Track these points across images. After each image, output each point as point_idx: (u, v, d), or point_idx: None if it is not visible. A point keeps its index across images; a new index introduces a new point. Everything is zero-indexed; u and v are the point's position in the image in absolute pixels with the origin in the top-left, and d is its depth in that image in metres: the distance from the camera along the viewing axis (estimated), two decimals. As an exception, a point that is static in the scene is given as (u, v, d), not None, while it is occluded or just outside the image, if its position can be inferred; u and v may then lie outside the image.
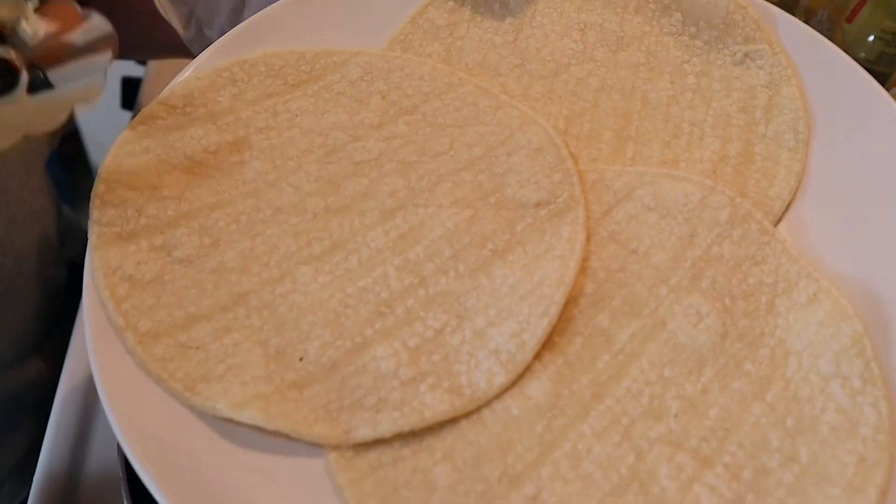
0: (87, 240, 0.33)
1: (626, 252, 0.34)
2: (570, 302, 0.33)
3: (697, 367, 0.31)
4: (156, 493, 0.27)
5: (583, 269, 0.34)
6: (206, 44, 0.44)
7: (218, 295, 0.33)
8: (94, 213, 0.33)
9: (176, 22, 0.44)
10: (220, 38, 0.39)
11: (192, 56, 0.46)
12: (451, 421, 0.30)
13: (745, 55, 0.39)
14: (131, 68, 0.79)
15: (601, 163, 0.37)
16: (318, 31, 0.41)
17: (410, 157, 0.37)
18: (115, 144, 0.35)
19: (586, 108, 0.39)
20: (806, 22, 0.54)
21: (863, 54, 0.49)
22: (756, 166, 0.37)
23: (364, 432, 0.30)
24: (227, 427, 0.30)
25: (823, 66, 0.38)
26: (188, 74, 0.38)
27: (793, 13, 0.54)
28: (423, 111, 0.39)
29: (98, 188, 0.34)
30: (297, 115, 0.38)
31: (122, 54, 0.48)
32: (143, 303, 0.32)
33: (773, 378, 0.31)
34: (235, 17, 0.44)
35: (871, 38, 0.48)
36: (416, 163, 0.37)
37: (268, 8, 0.40)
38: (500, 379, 0.31)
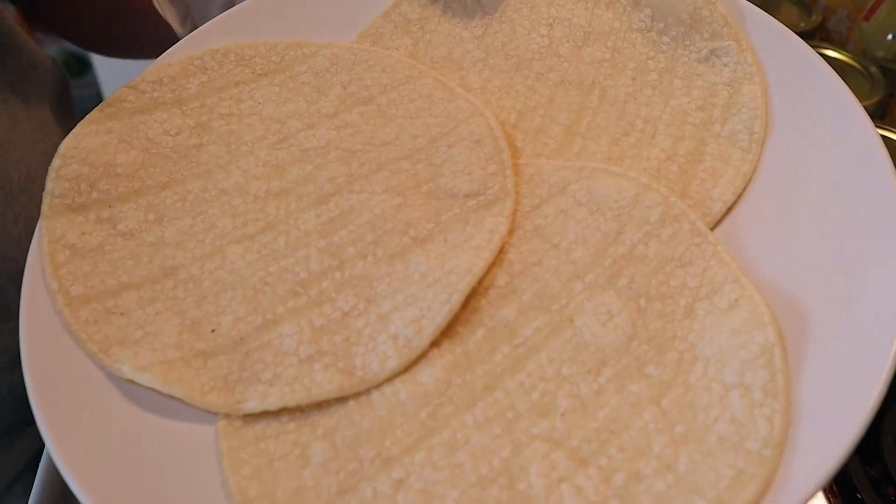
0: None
1: (548, 246, 0.34)
2: (480, 293, 0.33)
3: (597, 367, 0.30)
4: (49, 443, 0.29)
5: (499, 261, 0.33)
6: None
7: (151, 267, 0.34)
8: (49, 184, 0.36)
9: (172, 19, 0.47)
10: (197, 29, 0.41)
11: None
12: (341, 400, 0.31)
13: (711, 52, 0.37)
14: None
15: (545, 157, 0.37)
16: (293, 24, 0.42)
17: (356, 145, 0.38)
18: (79, 124, 0.38)
19: (541, 103, 0.38)
20: (824, 20, 0.51)
21: (881, 53, 0.46)
22: (704, 166, 0.35)
23: (253, 404, 0.30)
24: (133, 390, 0.31)
25: (791, 63, 0.36)
26: (161, 61, 0.40)
27: (811, 12, 0.51)
28: (379, 102, 0.39)
29: (55, 162, 0.36)
30: (259, 103, 0.40)
31: (121, 53, 0.51)
32: (79, 269, 0.34)
33: (673, 383, 0.29)
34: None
35: (890, 36, 0.45)
36: (360, 151, 0.37)
37: (247, 2, 0.42)
38: (393, 363, 0.31)
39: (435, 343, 0.31)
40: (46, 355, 0.31)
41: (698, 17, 0.38)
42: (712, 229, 0.34)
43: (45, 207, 0.36)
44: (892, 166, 0.31)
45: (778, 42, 0.37)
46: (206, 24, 0.41)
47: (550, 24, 0.41)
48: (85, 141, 0.37)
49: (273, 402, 0.30)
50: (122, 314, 0.33)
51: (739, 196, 0.34)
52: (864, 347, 0.28)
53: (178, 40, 0.47)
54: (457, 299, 0.32)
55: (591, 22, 0.40)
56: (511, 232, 0.34)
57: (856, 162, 0.32)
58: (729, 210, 0.34)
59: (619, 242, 0.33)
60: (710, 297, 0.31)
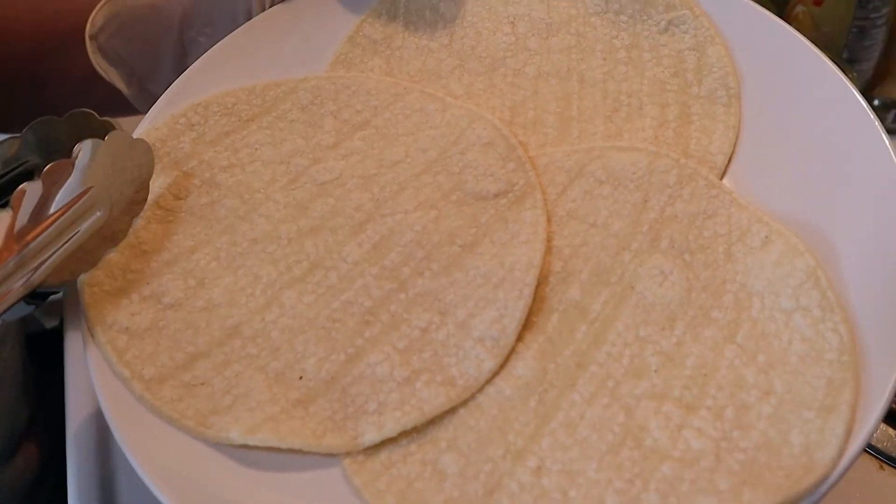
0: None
1: (586, 226, 0.36)
2: (542, 281, 0.35)
3: (669, 323, 0.33)
4: None
5: (548, 249, 0.36)
6: (151, 98, 0.46)
7: (212, 331, 0.34)
8: (82, 275, 0.35)
9: (118, 81, 0.46)
10: (171, 86, 0.41)
11: (138, 111, 0.47)
12: (450, 411, 0.32)
13: (669, 22, 0.41)
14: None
15: (550, 146, 0.39)
16: (262, 65, 0.42)
17: (370, 170, 0.39)
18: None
19: (528, 97, 0.41)
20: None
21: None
22: (695, 126, 0.39)
23: (371, 436, 0.31)
24: (243, 454, 0.32)
25: (742, 22, 0.40)
26: (146, 126, 0.40)
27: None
28: (375, 124, 0.40)
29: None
30: (256, 149, 0.40)
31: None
32: (143, 351, 0.34)
33: (739, 321, 0.33)
34: (179, 66, 0.45)
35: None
36: (376, 175, 0.39)
37: (210, 51, 0.42)
38: (489, 364, 0.33)
39: (518, 337, 0.34)
40: (151, 447, 0.31)
41: None
42: (721, 180, 0.38)
43: (85, 298, 0.35)
44: (858, 91, 0.36)
45: (725, 4, 0.41)
46: (178, 80, 0.41)
47: (512, 22, 0.43)
48: None
49: (391, 430, 0.31)
50: (202, 384, 0.33)
51: (734, 146, 0.38)
52: (890, 252, 0.33)
53: (122, 98, 0.46)
54: (528, 293, 0.34)
55: (549, 13, 0.43)
56: (549, 220, 0.36)
57: (825, 97, 0.37)
58: (729, 161, 0.38)
59: (648, 209, 0.36)
60: (743, 240, 0.35)
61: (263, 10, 0.43)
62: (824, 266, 0.34)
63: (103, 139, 0.34)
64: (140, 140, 0.36)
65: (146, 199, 0.37)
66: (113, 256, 0.36)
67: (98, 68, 0.45)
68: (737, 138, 0.38)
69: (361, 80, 0.42)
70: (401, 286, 0.35)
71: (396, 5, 0.44)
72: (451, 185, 0.38)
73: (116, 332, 0.34)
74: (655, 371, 0.32)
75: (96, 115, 0.44)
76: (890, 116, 0.63)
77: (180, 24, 0.44)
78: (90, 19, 0.45)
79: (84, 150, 0.33)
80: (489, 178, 0.38)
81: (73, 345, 0.51)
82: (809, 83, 0.38)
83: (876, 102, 0.63)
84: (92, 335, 0.34)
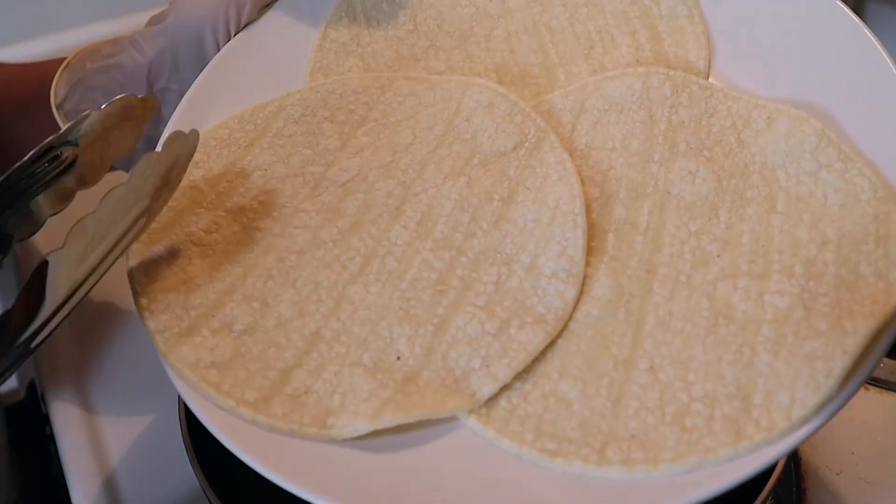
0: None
1: (607, 152, 0.40)
2: (586, 210, 0.38)
3: (713, 213, 0.37)
4: None
5: (581, 182, 0.39)
6: (128, 158, 0.46)
7: (294, 344, 0.36)
8: (150, 324, 0.36)
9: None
10: (165, 133, 0.42)
11: (113, 168, 0.48)
12: (550, 345, 0.35)
13: None
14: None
15: (544, 94, 0.43)
16: (243, 93, 0.44)
17: (386, 159, 0.41)
18: (130, 258, 0.38)
19: (506, 57, 0.44)
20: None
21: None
22: (667, 42, 0.43)
23: (489, 388, 0.33)
24: (367, 444, 0.33)
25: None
26: None
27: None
28: (373, 118, 0.43)
29: (140, 302, 0.36)
30: (266, 170, 0.42)
31: None
32: (237, 379, 0.35)
33: (773, 193, 0.37)
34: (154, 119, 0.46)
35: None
36: (393, 161, 0.41)
37: (189, 93, 0.43)
38: (570, 293, 0.35)
39: (585, 263, 0.36)
40: (291, 462, 0.32)
41: None
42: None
43: (160, 346, 0.35)
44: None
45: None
46: (168, 127, 0.42)
47: None
48: (148, 272, 0.37)
49: (504, 377, 0.34)
50: (306, 393, 0.34)
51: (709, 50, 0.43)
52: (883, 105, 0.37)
53: None
54: (581, 220, 0.37)
55: None
56: (571, 156, 0.40)
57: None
58: (709, 64, 0.42)
59: (656, 122, 0.40)
60: (748, 126, 0.39)
61: (228, 40, 0.44)
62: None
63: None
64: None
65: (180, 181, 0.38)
66: (170, 297, 0.37)
67: (61, 122, 0.46)
68: (708, 43, 0.43)
69: (344, 81, 0.44)
70: (459, 251, 0.37)
71: (353, 6, 0.46)
72: (469, 151, 0.41)
73: (204, 369, 0.35)
74: (718, 256, 0.36)
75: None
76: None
77: (147, 77, 0.45)
78: (52, 88, 0.46)
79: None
80: (502, 135, 0.41)
81: (61, 413, 0.52)
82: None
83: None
84: (181, 379, 0.35)
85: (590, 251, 0.37)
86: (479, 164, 0.40)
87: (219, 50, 0.44)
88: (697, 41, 0.43)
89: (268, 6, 0.46)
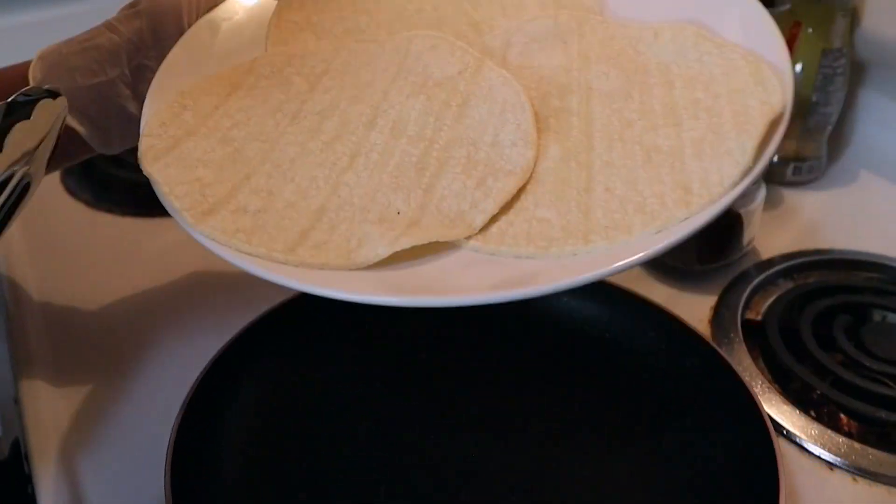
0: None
1: (535, 69, 0.50)
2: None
3: (628, 96, 0.47)
4: None
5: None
6: (105, 136, 0.52)
7: (305, 215, 0.42)
8: (175, 203, 0.41)
9: (73, 123, 0.51)
10: (150, 86, 0.48)
11: (94, 152, 0.53)
12: (522, 189, 0.43)
13: None
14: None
15: (475, 40, 0.53)
16: (213, 61, 0.51)
17: (352, 92, 0.49)
18: (144, 168, 0.43)
19: (437, 22, 0.54)
20: None
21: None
22: (568, 2, 0.54)
23: (481, 218, 0.41)
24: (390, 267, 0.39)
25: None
26: (149, 113, 0.46)
27: None
28: (334, 69, 0.51)
29: (162, 189, 0.42)
30: (247, 111, 0.48)
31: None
32: (263, 237, 0.40)
33: (671, 78, 0.48)
34: (133, 95, 0.52)
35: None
36: (359, 94, 0.49)
37: (163, 63, 0.50)
38: (530, 153, 0.44)
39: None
40: (320, 276, 0.38)
41: None
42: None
43: (188, 219, 0.40)
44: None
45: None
46: (151, 86, 0.48)
47: None
48: (163, 174, 0.43)
49: (492, 209, 0.41)
50: (326, 242, 0.41)
51: None
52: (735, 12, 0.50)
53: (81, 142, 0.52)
54: (528, 106, 0.46)
55: None
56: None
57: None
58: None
59: (569, 46, 0.51)
60: (640, 41, 0.50)
61: (198, 18, 0.52)
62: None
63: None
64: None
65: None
66: (187, 188, 0.42)
67: None
68: (598, -5, 0.55)
69: (303, 46, 0.52)
70: (431, 141, 0.45)
71: (300, -7, 0.56)
72: (423, 78, 0.49)
73: (232, 234, 0.40)
74: (639, 119, 0.46)
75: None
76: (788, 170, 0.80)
77: (126, 54, 0.51)
78: (30, 72, 0.51)
79: None
80: (448, 65, 0.50)
81: (44, 474, 0.52)
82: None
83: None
84: (213, 240, 0.40)
85: (538, 132, 0.46)
86: (433, 85, 0.49)
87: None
88: (590, -4, 0.55)
89: (226, -2, 0.54)
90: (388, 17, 0.55)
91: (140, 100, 0.52)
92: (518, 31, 0.52)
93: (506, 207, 0.42)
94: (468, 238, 0.41)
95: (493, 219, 0.41)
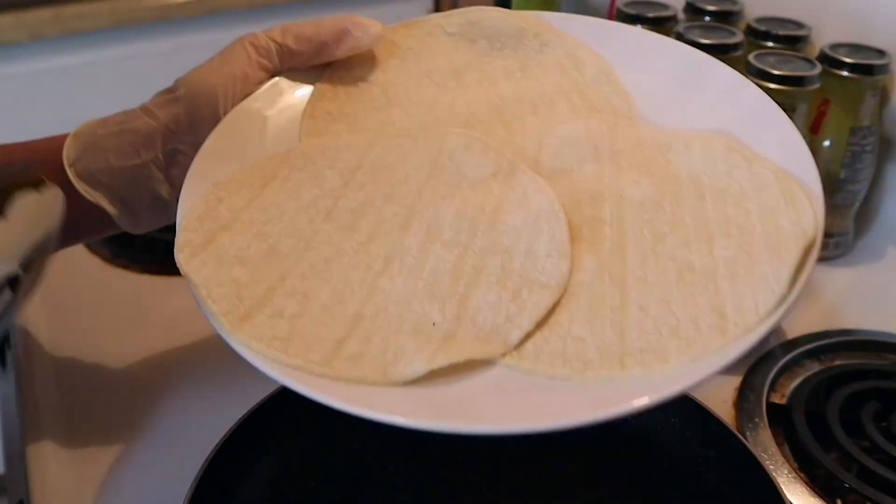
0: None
1: (567, 174, 0.51)
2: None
3: (659, 206, 0.48)
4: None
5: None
6: (134, 215, 0.53)
7: (342, 322, 0.42)
8: (213, 307, 0.42)
9: (103, 202, 0.52)
10: (187, 177, 0.49)
11: (121, 230, 0.54)
12: (556, 305, 0.43)
13: (541, 45, 0.59)
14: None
15: (507, 140, 0.54)
16: (249, 149, 0.52)
17: (386, 190, 0.50)
18: (181, 265, 0.43)
19: (469, 118, 0.55)
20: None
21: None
22: (595, 101, 0.56)
23: (517, 335, 0.41)
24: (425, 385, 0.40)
25: (593, 29, 0.59)
26: (186, 205, 0.47)
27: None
28: (368, 164, 0.52)
29: (200, 292, 0.42)
30: (280, 205, 0.49)
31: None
32: (299, 347, 0.41)
33: (701, 190, 0.48)
34: (166, 177, 0.52)
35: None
36: (392, 192, 0.50)
37: (203, 146, 0.51)
38: (564, 265, 0.45)
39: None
40: (355, 394, 0.38)
41: (519, 29, 0.59)
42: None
43: (225, 325, 0.41)
44: (690, 46, 0.56)
45: (577, 23, 0.59)
46: (188, 175, 0.49)
47: (428, 75, 0.58)
48: (201, 273, 0.43)
49: (528, 325, 0.42)
50: (361, 354, 0.41)
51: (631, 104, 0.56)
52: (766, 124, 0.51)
53: (105, 217, 0.52)
54: (563, 216, 0.47)
55: (451, 62, 0.58)
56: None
57: (686, 64, 0.56)
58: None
59: (601, 151, 0.52)
60: (671, 149, 0.51)
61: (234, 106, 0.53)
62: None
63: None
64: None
65: None
66: (223, 290, 0.43)
67: (82, 192, 0.51)
68: (629, 99, 0.56)
69: (335, 140, 0.53)
70: (465, 248, 0.46)
71: (334, 83, 0.56)
72: (457, 179, 0.50)
73: (269, 341, 0.41)
74: (670, 232, 0.47)
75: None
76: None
77: (161, 139, 0.52)
78: (64, 151, 0.52)
79: None
80: (482, 167, 0.51)
81: None
82: (647, 49, 0.57)
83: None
84: (248, 349, 0.40)
85: (570, 240, 0.47)
86: (467, 187, 0.50)
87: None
88: (619, 98, 0.56)
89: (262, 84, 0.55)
90: (420, 111, 0.56)
91: (172, 183, 0.53)
92: (550, 134, 0.53)
93: (540, 323, 0.43)
94: (503, 354, 0.41)
95: (528, 334, 0.42)
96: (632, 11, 0.85)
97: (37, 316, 0.73)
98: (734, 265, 0.43)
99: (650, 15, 0.85)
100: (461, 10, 0.60)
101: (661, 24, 0.83)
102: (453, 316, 0.43)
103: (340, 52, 0.55)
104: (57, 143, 0.53)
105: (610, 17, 0.88)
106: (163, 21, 1.34)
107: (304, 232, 0.47)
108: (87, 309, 0.75)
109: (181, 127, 0.52)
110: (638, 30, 0.58)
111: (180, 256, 0.44)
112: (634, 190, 0.49)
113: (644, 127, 0.53)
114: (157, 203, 0.53)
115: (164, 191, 0.53)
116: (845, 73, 0.76)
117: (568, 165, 0.51)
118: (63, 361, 0.68)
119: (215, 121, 0.52)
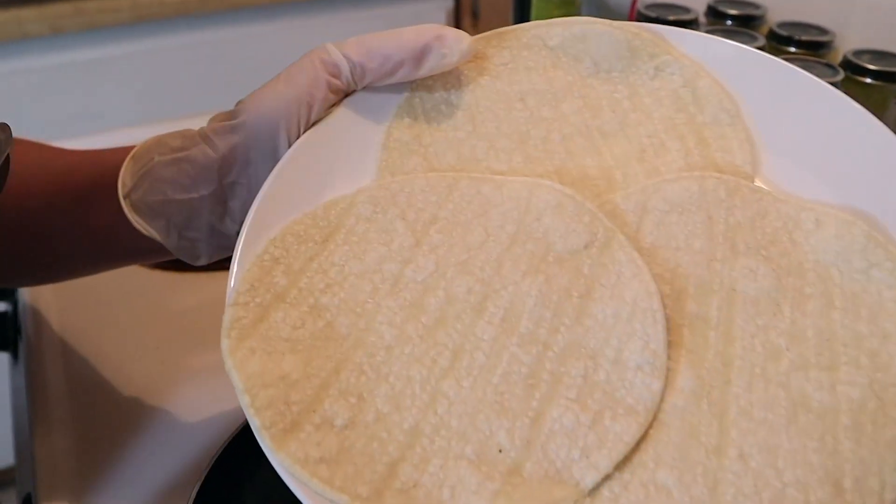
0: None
1: (672, 251, 0.44)
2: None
3: (777, 308, 0.41)
4: None
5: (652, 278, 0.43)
6: (190, 245, 0.49)
7: (395, 438, 0.38)
8: (256, 420, 0.38)
9: (156, 234, 0.48)
10: (244, 230, 0.44)
11: (172, 256, 0.50)
12: (643, 435, 0.38)
13: (656, 69, 0.50)
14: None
15: (605, 195, 0.47)
16: (315, 188, 0.47)
17: (461, 256, 0.44)
18: (227, 356, 0.40)
19: (564, 159, 0.48)
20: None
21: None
22: (713, 147, 0.48)
23: (592, 478, 0.37)
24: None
25: (718, 55, 0.50)
26: (240, 274, 0.43)
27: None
28: (443, 216, 0.46)
29: (244, 399, 0.38)
30: (343, 266, 0.44)
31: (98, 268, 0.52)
32: (347, 474, 0.37)
33: (830, 290, 0.42)
34: (220, 211, 0.48)
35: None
36: (469, 259, 0.44)
37: (264, 187, 0.46)
38: (657, 385, 0.39)
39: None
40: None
41: (633, 47, 0.51)
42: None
43: (267, 442, 0.37)
44: (830, 85, 0.47)
45: (697, 43, 0.51)
46: (247, 223, 0.44)
47: (521, 98, 0.51)
48: (247, 368, 0.39)
49: (606, 467, 0.37)
50: (415, 486, 0.37)
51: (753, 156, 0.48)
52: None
53: (155, 244, 0.49)
54: (661, 316, 0.41)
55: (550, 84, 0.51)
56: (639, 254, 0.44)
57: (807, 98, 0.47)
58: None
59: (715, 223, 0.45)
60: (798, 227, 0.44)
61: (297, 138, 0.47)
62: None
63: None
64: None
65: None
66: (271, 392, 0.39)
67: (136, 225, 0.48)
68: (752, 149, 0.48)
69: (410, 180, 0.48)
70: (545, 346, 0.41)
71: (413, 106, 0.50)
72: (543, 249, 0.44)
73: (314, 465, 0.37)
74: (787, 349, 0.40)
75: None
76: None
77: (218, 171, 0.47)
78: (120, 179, 0.48)
79: None
80: (573, 235, 0.44)
81: None
82: (788, 90, 0.48)
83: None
84: (292, 475, 0.37)
85: (668, 345, 0.41)
86: (553, 262, 0.44)
87: (289, 147, 0.47)
88: (742, 147, 0.48)
89: (334, 105, 0.49)
90: (509, 145, 0.49)
91: (232, 217, 0.49)
92: (656, 193, 0.46)
93: (622, 460, 0.37)
94: (574, 501, 0.37)
95: (604, 480, 0.37)
96: (652, 14, 0.83)
97: (48, 310, 0.73)
98: (860, 413, 0.37)
99: (671, 18, 0.83)
100: (564, 20, 0.51)
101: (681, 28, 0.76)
102: (523, 441, 0.38)
103: (422, 73, 0.48)
104: (120, 158, 0.50)
105: (630, 20, 0.82)
106: (183, 16, 1.31)
107: (365, 306, 0.43)
108: (98, 304, 0.73)
109: (240, 159, 0.47)
110: (780, 62, 0.49)
111: (226, 343, 0.40)
112: (749, 282, 0.42)
113: (767, 190, 0.46)
114: (216, 236, 0.49)
115: (224, 224, 0.49)
116: (868, 80, 0.73)
117: (674, 241, 0.44)
118: (74, 356, 0.68)
119: (276, 155, 0.47)
